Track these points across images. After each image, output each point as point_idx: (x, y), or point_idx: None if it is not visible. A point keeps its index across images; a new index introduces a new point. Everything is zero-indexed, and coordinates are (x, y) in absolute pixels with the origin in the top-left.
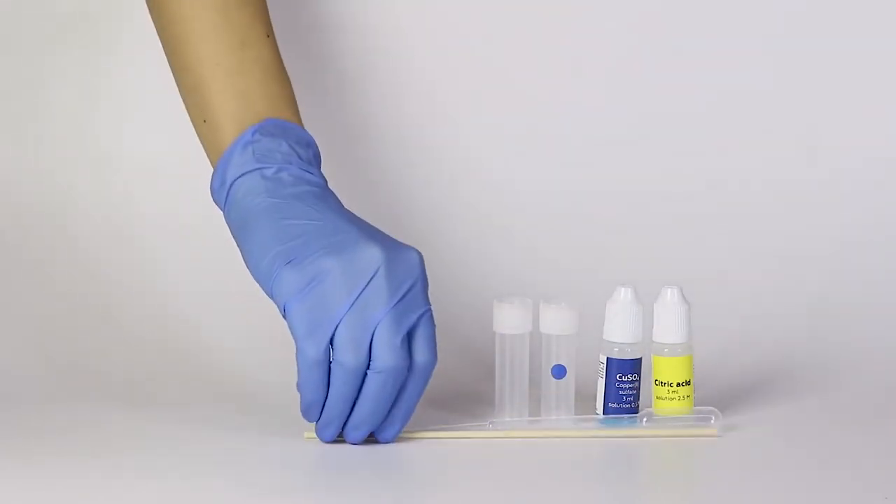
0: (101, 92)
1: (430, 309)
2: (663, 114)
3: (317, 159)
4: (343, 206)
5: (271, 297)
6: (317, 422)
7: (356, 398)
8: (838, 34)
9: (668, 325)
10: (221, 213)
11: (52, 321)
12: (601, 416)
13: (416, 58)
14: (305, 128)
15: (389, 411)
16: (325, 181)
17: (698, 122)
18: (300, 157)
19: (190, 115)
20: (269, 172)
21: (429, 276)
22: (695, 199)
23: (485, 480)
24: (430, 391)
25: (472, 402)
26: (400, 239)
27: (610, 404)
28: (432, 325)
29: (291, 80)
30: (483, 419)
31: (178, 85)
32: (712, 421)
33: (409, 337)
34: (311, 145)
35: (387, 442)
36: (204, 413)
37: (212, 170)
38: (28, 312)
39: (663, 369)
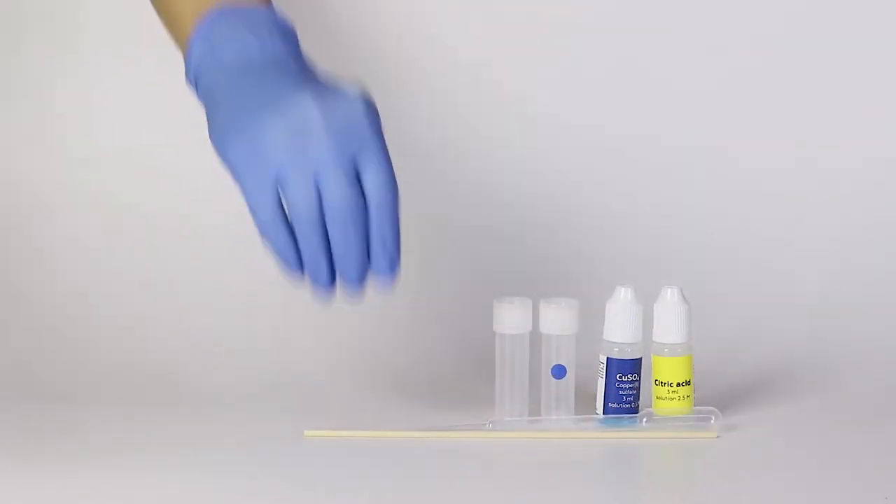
0: (101, 92)
1: (378, 143)
2: (662, 114)
3: (279, 29)
4: (304, 66)
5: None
6: (317, 293)
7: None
8: (838, 34)
9: (668, 325)
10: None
11: (51, 321)
12: (601, 416)
13: (416, 55)
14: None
15: (369, 252)
16: (290, 49)
17: (698, 121)
18: (258, 34)
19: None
20: (220, 52)
21: (428, 277)
22: (695, 199)
23: (485, 480)
24: (431, 391)
25: (472, 402)
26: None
27: (610, 404)
28: (381, 156)
29: None
30: (483, 419)
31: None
32: (712, 421)
33: (359, 173)
34: (268, 21)
35: (388, 284)
36: (204, 413)
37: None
38: (28, 312)
39: (663, 369)
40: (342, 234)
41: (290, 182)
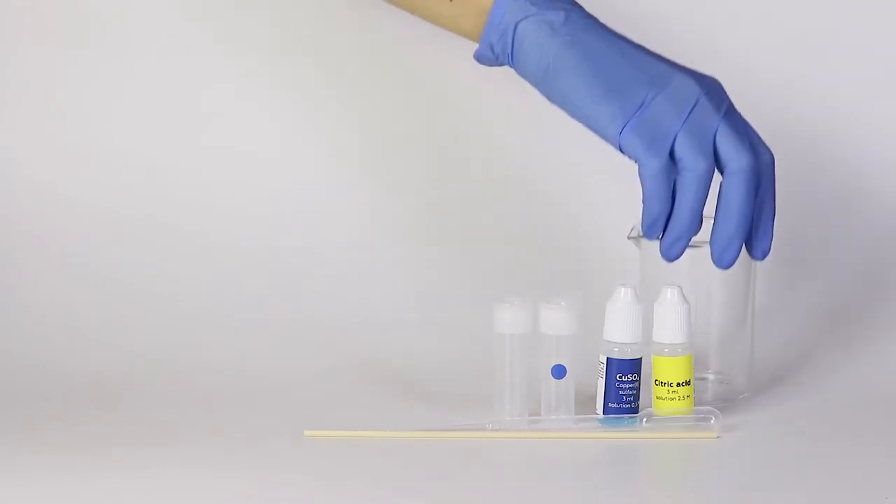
0: (101, 92)
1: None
2: None
3: None
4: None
5: (600, 133)
6: (661, 240)
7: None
8: (840, 34)
9: (668, 325)
10: (497, 67)
11: (50, 321)
12: (601, 416)
13: (420, 57)
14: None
15: (752, 224)
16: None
17: None
18: None
19: (427, 8)
20: (549, 15)
21: (428, 277)
22: None
23: (485, 480)
24: (431, 391)
25: (472, 402)
26: (399, 239)
27: (610, 404)
28: (755, 132)
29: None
30: (483, 419)
31: None
32: (712, 421)
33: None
34: None
35: (762, 257)
36: (204, 412)
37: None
38: (27, 312)
39: (663, 369)
40: (741, 197)
41: (688, 142)
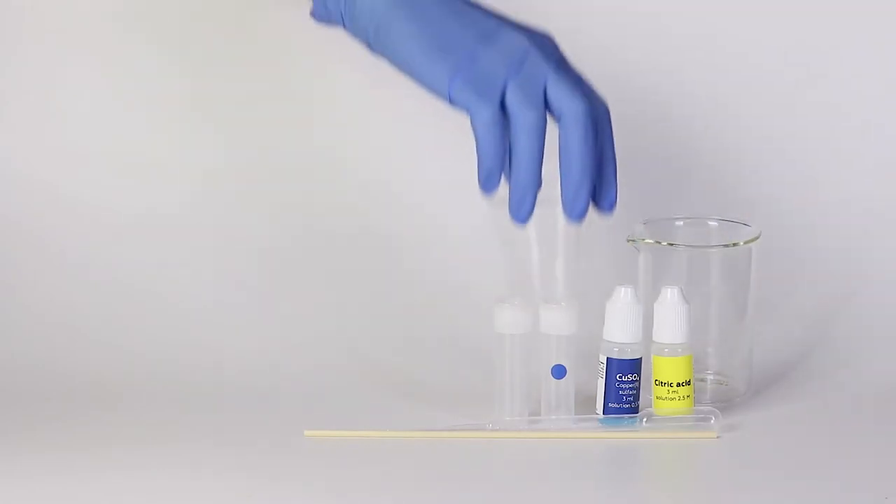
0: (101, 90)
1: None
2: (661, 114)
3: None
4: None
5: (432, 88)
6: (509, 203)
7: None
8: (843, 33)
9: (669, 325)
10: (339, 29)
11: (50, 321)
12: (601, 416)
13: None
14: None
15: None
16: None
17: (700, 122)
18: None
19: None
20: None
21: (429, 277)
22: (695, 199)
23: (485, 480)
24: (431, 391)
25: (472, 402)
26: (399, 237)
27: (610, 404)
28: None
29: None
30: (483, 419)
31: None
32: (712, 421)
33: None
34: None
35: (609, 209)
36: (203, 412)
37: None
38: (27, 312)
39: (663, 369)
40: (580, 144)
41: (519, 92)
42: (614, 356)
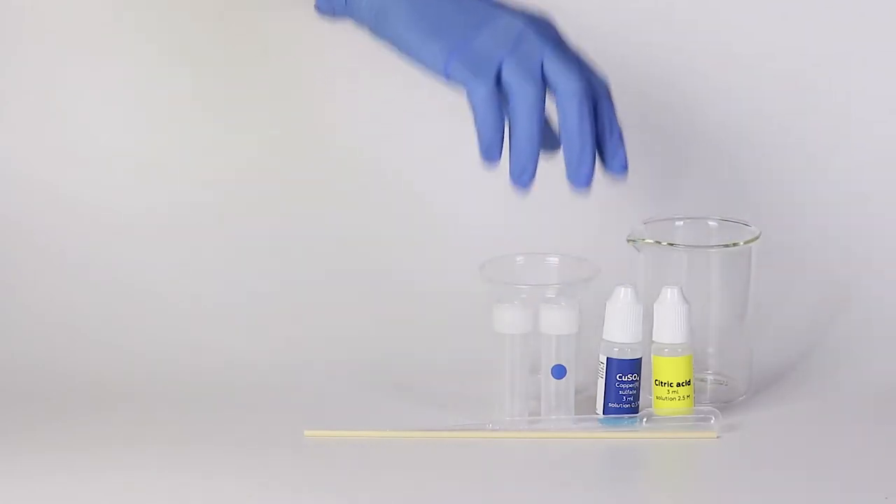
0: (101, 91)
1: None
2: (662, 114)
3: None
4: None
5: (430, 68)
6: (510, 174)
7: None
8: (844, 33)
9: (669, 325)
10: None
11: (50, 321)
12: (601, 416)
13: None
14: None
15: (598, 139)
16: None
17: (701, 122)
18: None
19: None
20: None
21: (430, 277)
22: (695, 199)
23: (485, 480)
24: (431, 391)
25: (472, 402)
26: (399, 237)
27: (610, 404)
28: (588, 60)
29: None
30: (483, 419)
31: None
32: (712, 421)
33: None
34: None
35: (622, 171)
36: (203, 412)
37: None
38: (27, 312)
39: (663, 369)
40: (578, 118)
41: (516, 68)
42: (614, 356)
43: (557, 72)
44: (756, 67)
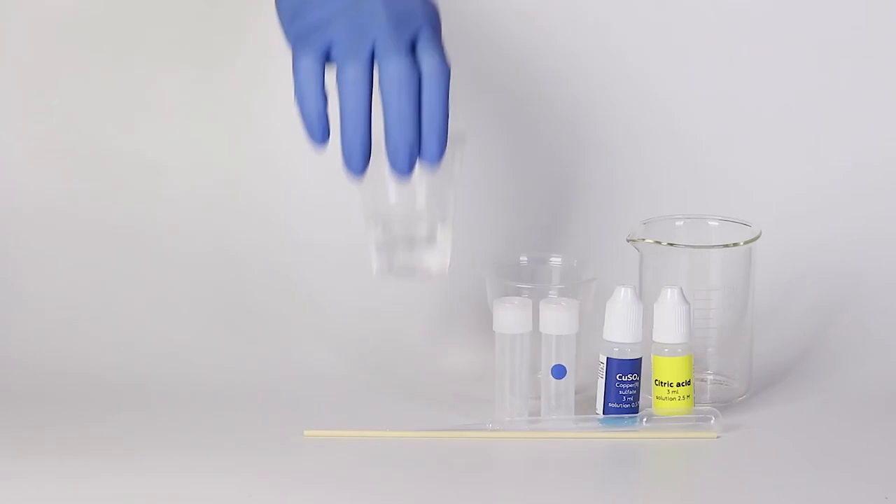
0: (100, 91)
1: (432, 28)
2: (662, 114)
3: None
4: None
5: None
6: (350, 167)
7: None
8: (845, 33)
9: (668, 325)
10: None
11: (50, 321)
12: (601, 416)
13: None
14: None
15: (420, 128)
16: None
17: (701, 122)
18: None
19: None
20: None
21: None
22: (695, 199)
23: (485, 480)
24: (431, 391)
25: (472, 402)
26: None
27: (610, 404)
28: (435, 40)
29: None
30: (483, 419)
31: None
32: (712, 421)
33: (412, 49)
34: None
35: (434, 162)
36: (204, 412)
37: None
38: (27, 312)
39: (663, 369)
40: (396, 105)
41: (343, 46)
42: (614, 356)
43: (382, 55)
44: (756, 67)
